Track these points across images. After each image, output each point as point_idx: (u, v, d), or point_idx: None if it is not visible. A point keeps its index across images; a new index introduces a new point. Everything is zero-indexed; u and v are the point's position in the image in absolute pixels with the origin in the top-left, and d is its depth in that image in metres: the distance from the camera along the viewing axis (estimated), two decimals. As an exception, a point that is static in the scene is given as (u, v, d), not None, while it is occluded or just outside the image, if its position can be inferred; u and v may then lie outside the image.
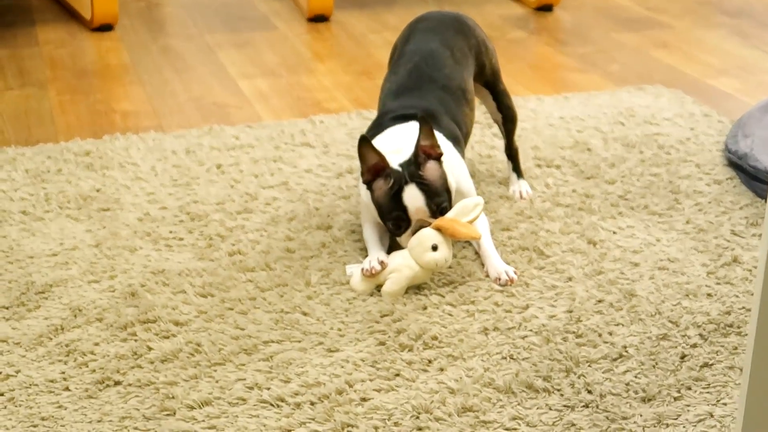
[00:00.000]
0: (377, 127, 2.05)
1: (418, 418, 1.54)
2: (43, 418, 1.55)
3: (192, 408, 1.56)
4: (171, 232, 2.11)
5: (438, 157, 1.92)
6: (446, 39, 2.16)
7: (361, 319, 1.79)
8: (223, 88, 3.04)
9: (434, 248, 1.86)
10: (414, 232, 1.88)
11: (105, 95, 2.97)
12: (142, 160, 2.45)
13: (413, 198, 1.88)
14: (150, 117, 2.79)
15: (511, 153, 2.29)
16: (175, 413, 1.55)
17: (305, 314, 1.81)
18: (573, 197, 2.24)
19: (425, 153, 1.90)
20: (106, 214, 2.18)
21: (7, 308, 1.84)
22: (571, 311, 1.81)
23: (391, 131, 2.00)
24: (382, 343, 1.72)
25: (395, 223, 1.90)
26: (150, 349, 1.71)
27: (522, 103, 2.80)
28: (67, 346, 1.72)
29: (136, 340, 1.73)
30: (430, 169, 1.90)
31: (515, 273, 1.91)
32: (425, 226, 1.88)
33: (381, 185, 1.90)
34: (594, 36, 3.56)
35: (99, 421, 1.54)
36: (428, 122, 1.88)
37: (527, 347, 1.71)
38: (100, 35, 3.55)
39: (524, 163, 2.41)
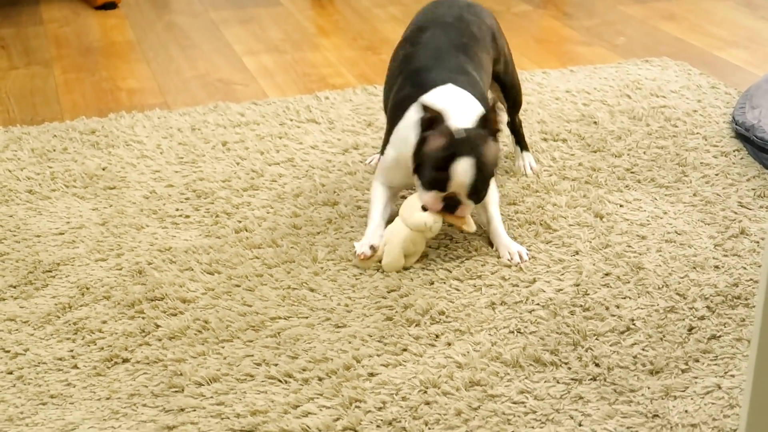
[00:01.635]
0: (420, 85, 1.95)
1: (425, 392, 1.54)
2: (52, 396, 1.55)
3: (200, 384, 1.57)
4: (177, 209, 2.11)
5: (496, 133, 1.86)
6: (462, 16, 2.12)
7: (368, 295, 1.79)
8: (228, 64, 3.03)
9: (424, 208, 1.84)
10: (442, 200, 1.83)
11: (110, 73, 2.96)
12: (148, 138, 2.44)
13: (463, 171, 1.80)
14: (155, 94, 2.79)
15: (515, 127, 2.28)
16: (183, 390, 1.55)
17: (312, 290, 1.81)
18: (579, 171, 2.24)
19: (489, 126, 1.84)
20: (112, 192, 2.19)
21: (14, 287, 1.84)
22: (578, 285, 1.81)
23: (441, 92, 1.91)
24: (390, 318, 1.72)
25: (431, 182, 1.82)
26: (158, 326, 1.71)
27: (528, 77, 2.79)
28: (75, 324, 1.73)
29: (143, 318, 1.74)
30: (490, 147, 1.84)
31: (528, 254, 1.90)
32: (456, 203, 1.83)
33: (437, 138, 1.81)
34: (600, 8, 3.54)
35: (108, 399, 1.54)
36: (495, 106, 1.84)
37: (534, 321, 1.71)
38: (104, 13, 3.54)
39: (530, 137, 2.40)
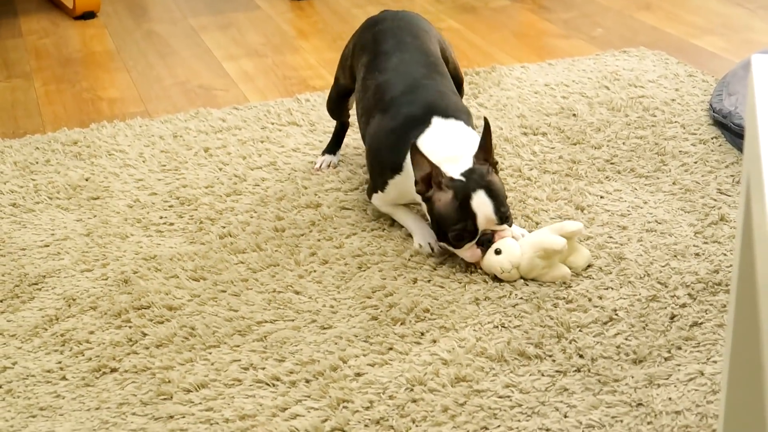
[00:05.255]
0: (402, 129, 1.94)
1: (412, 390, 1.55)
2: (41, 408, 1.56)
3: (188, 391, 1.58)
4: (161, 217, 2.12)
5: (494, 165, 1.87)
6: (416, 34, 2.13)
7: (353, 295, 1.80)
8: (208, 70, 3.04)
9: (497, 252, 1.81)
10: (479, 244, 1.82)
11: (91, 83, 2.97)
12: (130, 147, 2.45)
13: (482, 205, 1.80)
14: (136, 103, 2.79)
15: None
16: (172, 397, 1.57)
17: (297, 293, 1.82)
18: (560, 164, 2.25)
19: (486, 160, 1.84)
20: (95, 202, 2.19)
21: (1, 301, 1.85)
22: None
23: (432, 135, 1.90)
24: (375, 318, 1.74)
25: (459, 234, 1.81)
26: (145, 335, 1.72)
27: (507, 72, 2.80)
28: (62, 335, 1.73)
29: (130, 327, 1.75)
30: (493, 176, 1.84)
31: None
32: (489, 237, 1.82)
33: (441, 196, 1.82)
34: (577, 1, 3.56)
35: (97, 409, 1.55)
36: (490, 129, 1.83)
37: (518, 315, 1.72)
38: (83, 23, 3.55)
39: (511, 131, 2.42)
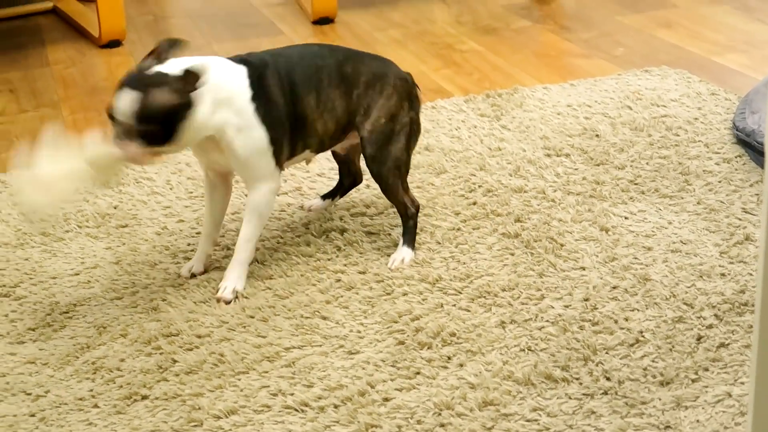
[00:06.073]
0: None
1: (440, 414, 1.56)
2: (74, 437, 1.58)
3: (218, 418, 1.59)
4: (189, 244, 2.14)
5: (190, 89, 1.78)
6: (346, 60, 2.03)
7: (379, 320, 1.82)
8: (232, 96, 3.06)
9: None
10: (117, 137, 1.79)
11: (117, 111, 3.00)
12: (157, 175, 2.48)
13: (120, 99, 1.75)
14: (162, 130, 2.82)
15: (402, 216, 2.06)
16: (202, 424, 1.58)
17: (324, 318, 1.84)
18: (584, 185, 2.26)
19: (184, 80, 1.77)
20: (124, 230, 2.22)
21: (33, 330, 1.87)
22: (586, 299, 1.83)
23: (202, 58, 1.89)
24: (402, 343, 1.75)
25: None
26: (175, 362, 1.74)
27: (529, 93, 2.82)
28: (93, 363, 1.76)
29: (161, 354, 1.77)
30: (162, 91, 1.76)
31: (234, 293, 1.92)
32: (119, 132, 1.78)
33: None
34: (597, 20, 3.57)
35: (129, 436, 1.58)
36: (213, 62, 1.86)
37: (545, 338, 1.73)
38: (109, 51, 3.59)
39: (533, 153, 2.43)
